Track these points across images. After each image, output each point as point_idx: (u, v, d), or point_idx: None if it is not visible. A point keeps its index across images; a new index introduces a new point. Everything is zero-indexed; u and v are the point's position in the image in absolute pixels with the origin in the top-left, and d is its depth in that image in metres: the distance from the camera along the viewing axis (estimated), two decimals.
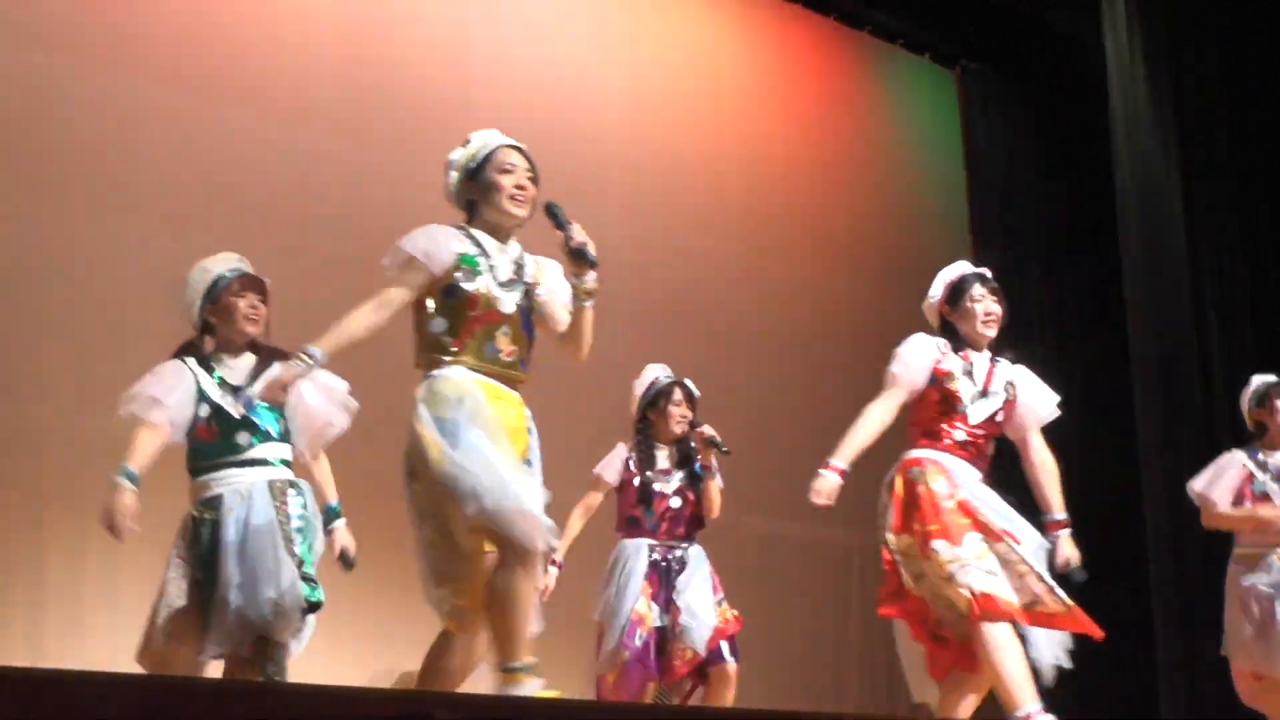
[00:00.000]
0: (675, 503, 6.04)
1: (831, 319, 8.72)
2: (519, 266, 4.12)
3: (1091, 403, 8.31)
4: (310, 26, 7.11)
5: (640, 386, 6.18)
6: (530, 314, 4.12)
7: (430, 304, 4.09)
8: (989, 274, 5.06)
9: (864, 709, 8.10)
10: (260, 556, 4.49)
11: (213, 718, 2.69)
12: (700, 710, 5.34)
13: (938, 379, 4.89)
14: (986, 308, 4.96)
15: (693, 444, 6.12)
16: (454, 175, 4.19)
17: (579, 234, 4.07)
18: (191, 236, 6.45)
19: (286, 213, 6.83)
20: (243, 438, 4.66)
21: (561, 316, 4.20)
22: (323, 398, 4.78)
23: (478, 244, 4.08)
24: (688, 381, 6.23)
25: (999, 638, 4.48)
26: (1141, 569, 7.89)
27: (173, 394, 4.61)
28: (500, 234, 4.12)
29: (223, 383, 4.70)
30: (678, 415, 6.09)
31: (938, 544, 4.70)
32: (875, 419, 4.90)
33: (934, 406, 4.90)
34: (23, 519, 5.95)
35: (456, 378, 4.03)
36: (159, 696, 2.68)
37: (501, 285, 4.06)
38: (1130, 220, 8.11)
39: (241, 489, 4.60)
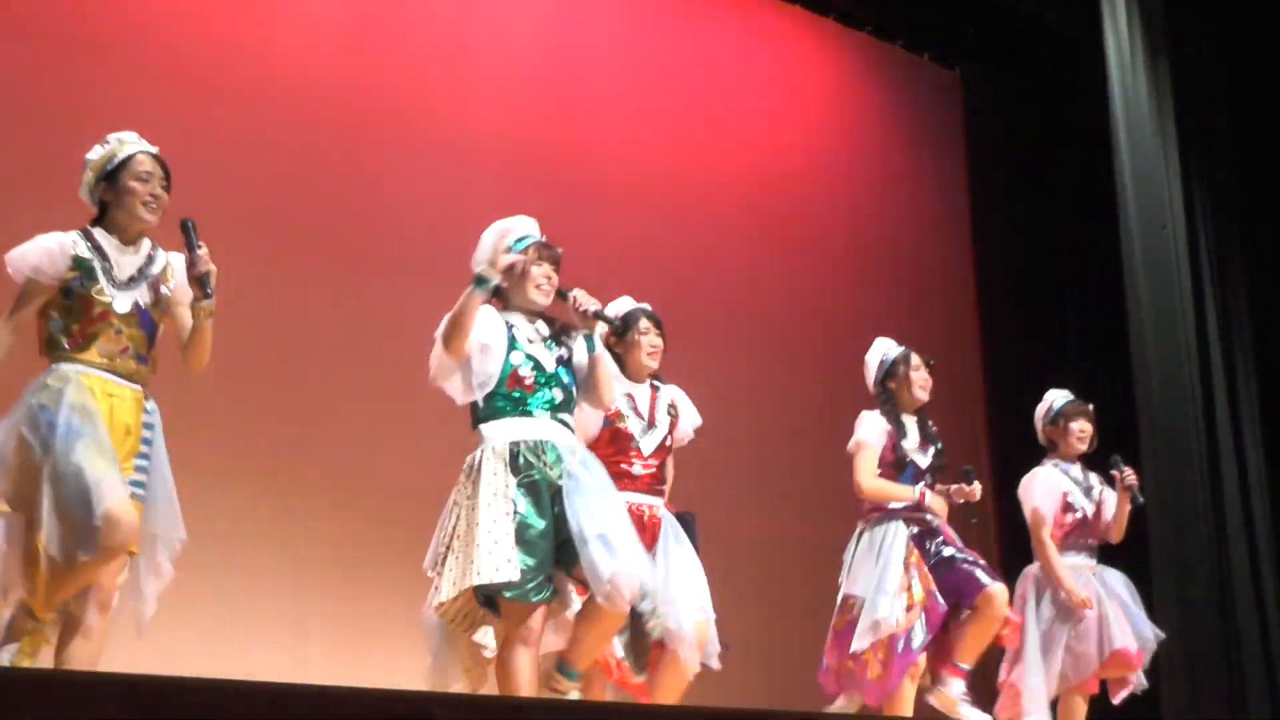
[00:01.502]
0: (928, 479, 5.84)
1: (831, 319, 8.72)
2: (145, 265, 4.31)
3: (1090, 403, 8.31)
4: (310, 26, 7.11)
5: (874, 360, 6.10)
6: (151, 312, 4.31)
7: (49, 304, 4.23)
8: (650, 310, 5.29)
9: (864, 709, 8.08)
10: None
11: (212, 718, 2.69)
12: (700, 710, 5.33)
13: (608, 420, 5.10)
14: (652, 341, 5.27)
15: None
16: (89, 175, 4.33)
17: (204, 263, 4.27)
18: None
19: (286, 212, 6.83)
20: None
21: (185, 320, 4.40)
22: None
23: (97, 247, 4.25)
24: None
25: None
26: (1141, 568, 7.88)
27: None
28: (128, 236, 4.32)
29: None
30: (920, 381, 5.98)
31: None
32: None
33: (606, 445, 5.07)
34: None
35: (66, 372, 4.17)
36: (159, 696, 2.68)
37: (119, 286, 4.24)
38: (1130, 220, 8.10)
39: None
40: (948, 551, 5.67)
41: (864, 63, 9.44)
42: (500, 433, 4.35)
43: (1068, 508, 6.35)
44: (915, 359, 5.99)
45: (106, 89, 6.40)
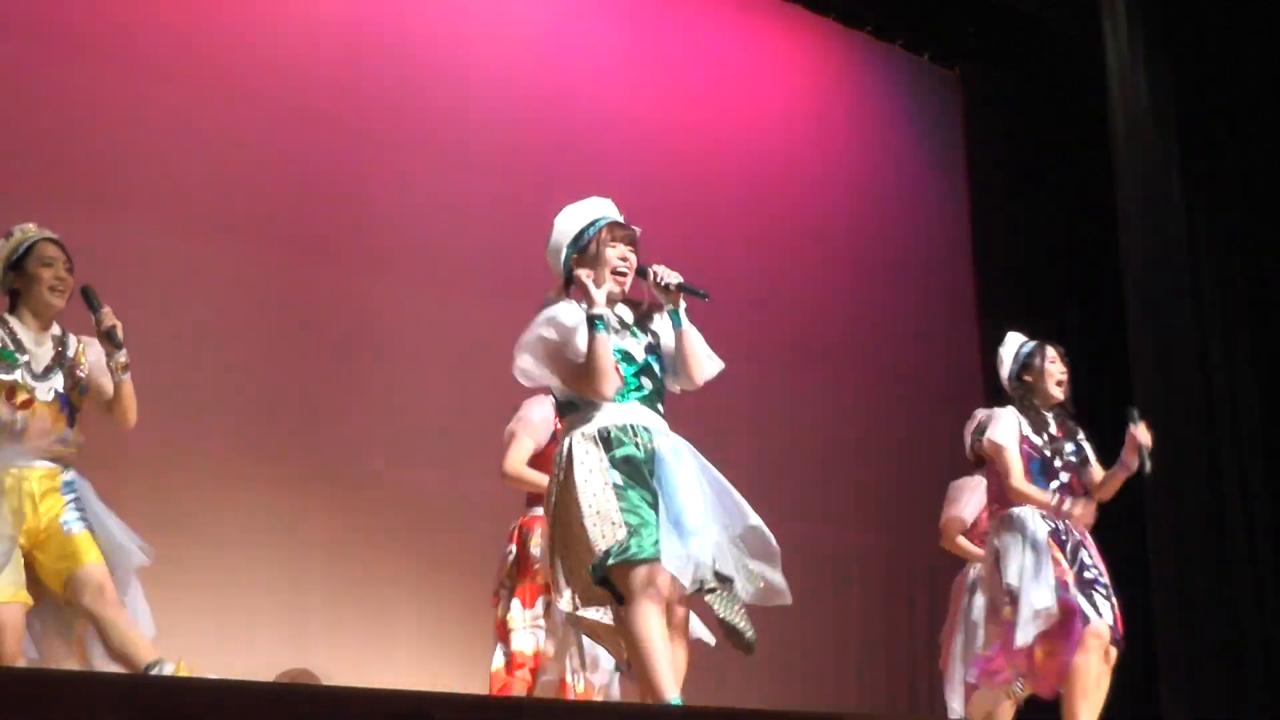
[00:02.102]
0: (1064, 477, 5.58)
1: (831, 318, 8.72)
2: (60, 351, 4.54)
3: (1090, 402, 8.31)
4: (310, 26, 7.11)
5: (1008, 353, 5.81)
6: (70, 396, 4.52)
7: None
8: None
9: (864, 709, 8.10)
10: None
11: (212, 717, 2.69)
12: (700, 710, 5.32)
13: None
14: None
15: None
16: None
17: (108, 319, 4.45)
18: (191, 236, 6.46)
19: (286, 213, 6.83)
20: None
21: (106, 389, 4.55)
22: None
23: (14, 336, 4.49)
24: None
25: None
26: (1141, 569, 7.89)
27: None
28: (41, 321, 4.53)
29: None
30: (1056, 374, 5.64)
31: None
32: None
33: None
34: None
35: None
36: (159, 696, 2.68)
37: (37, 376, 4.46)
38: (1130, 220, 8.10)
39: None
40: (1090, 575, 5.41)
41: (864, 63, 9.44)
42: (589, 418, 4.18)
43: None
44: (1051, 351, 5.68)
45: (107, 89, 6.40)
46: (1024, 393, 5.65)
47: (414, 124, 7.25)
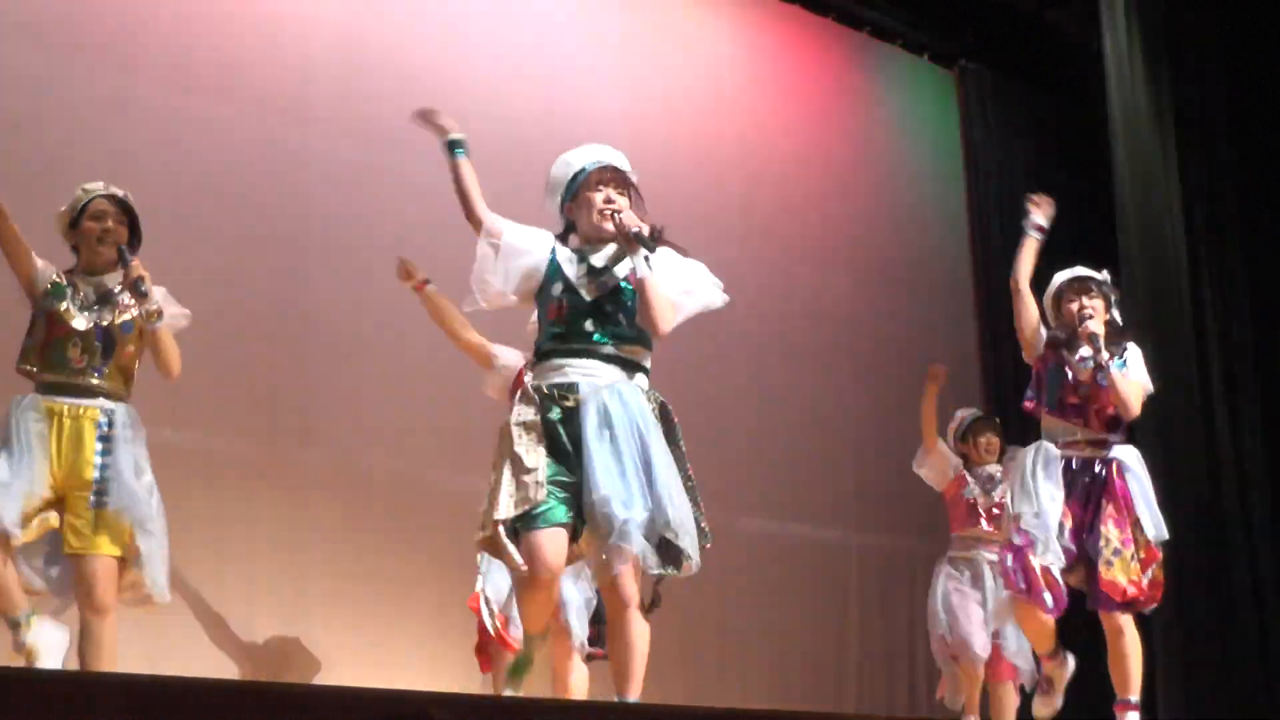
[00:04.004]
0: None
1: (830, 318, 8.72)
2: (110, 291, 4.87)
3: None
4: (310, 26, 7.10)
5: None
6: (110, 330, 4.84)
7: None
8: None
9: (864, 709, 8.10)
10: None
11: (212, 718, 2.69)
12: (700, 710, 5.33)
13: None
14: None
15: None
16: (61, 225, 4.99)
17: (135, 270, 4.77)
18: (191, 236, 6.45)
19: (286, 213, 6.83)
20: None
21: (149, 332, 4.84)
22: None
23: (70, 277, 4.90)
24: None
25: None
26: None
27: None
28: (94, 270, 4.92)
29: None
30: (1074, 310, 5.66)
31: None
32: None
33: None
34: None
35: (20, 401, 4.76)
36: (159, 696, 2.68)
37: (81, 308, 4.82)
38: (1130, 220, 8.11)
39: None
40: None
41: (864, 63, 9.44)
42: (536, 368, 4.20)
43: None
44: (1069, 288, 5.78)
45: (106, 89, 6.40)
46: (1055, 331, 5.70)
47: (413, 124, 7.24)
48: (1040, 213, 5.75)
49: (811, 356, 8.56)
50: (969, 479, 6.90)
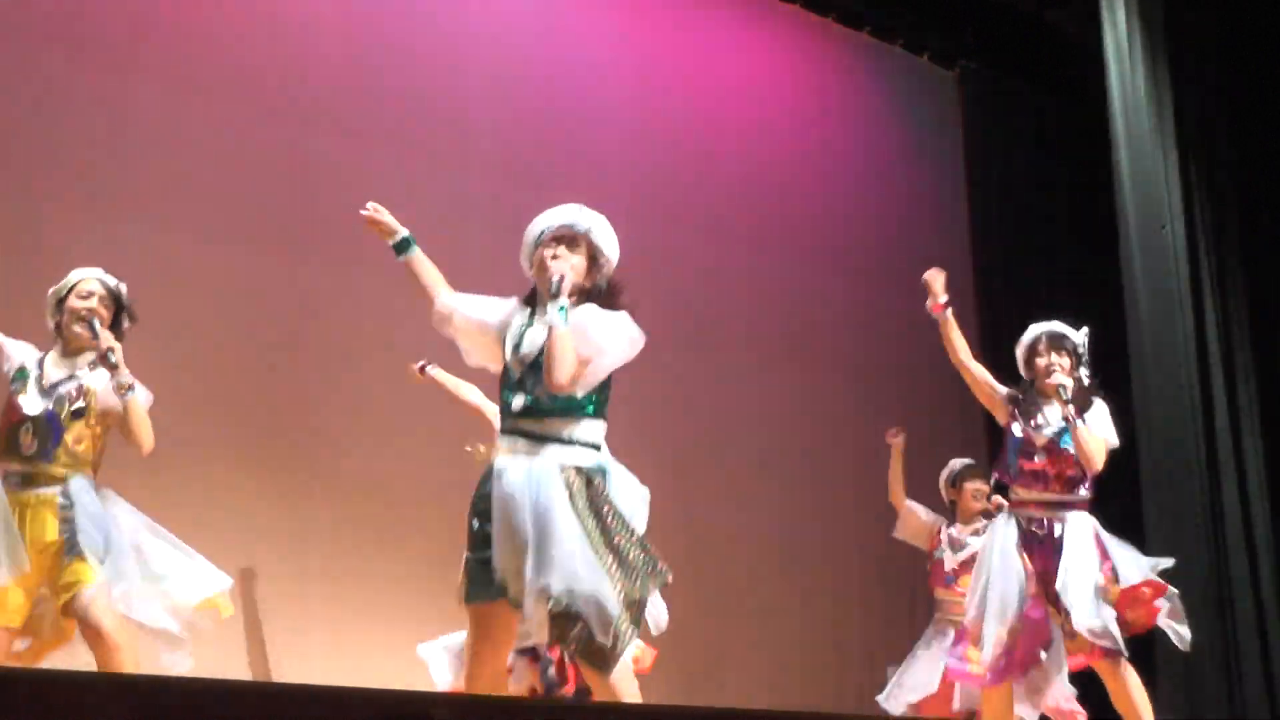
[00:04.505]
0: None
1: (830, 318, 8.72)
2: (70, 375, 4.89)
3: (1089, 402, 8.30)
4: (310, 26, 7.11)
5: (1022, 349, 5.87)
6: (58, 414, 4.82)
7: None
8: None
9: (864, 709, 8.10)
10: None
11: (212, 718, 2.69)
12: (700, 710, 5.33)
13: None
14: None
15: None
16: (49, 304, 5.01)
17: (105, 341, 4.83)
18: (191, 236, 6.46)
19: (286, 213, 6.83)
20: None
21: (117, 409, 4.86)
22: None
23: (41, 362, 4.93)
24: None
25: None
26: None
27: None
28: (71, 351, 4.96)
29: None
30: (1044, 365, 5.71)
31: None
32: None
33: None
34: None
35: None
36: (159, 696, 2.68)
37: (41, 393, 4.84)
38: (1130, 220, 8.10)
39: None
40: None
41: (864, 63, 9.44)
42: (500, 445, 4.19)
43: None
44: (1041, 343, 5.77)
45: (107, 89, 6.40)
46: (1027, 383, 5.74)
47: (413, 123, 7.25)
48: (935, 292, 5.71)
49: (810, 356, 8.56)
50: (941, 539, 6.93)
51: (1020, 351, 5.82)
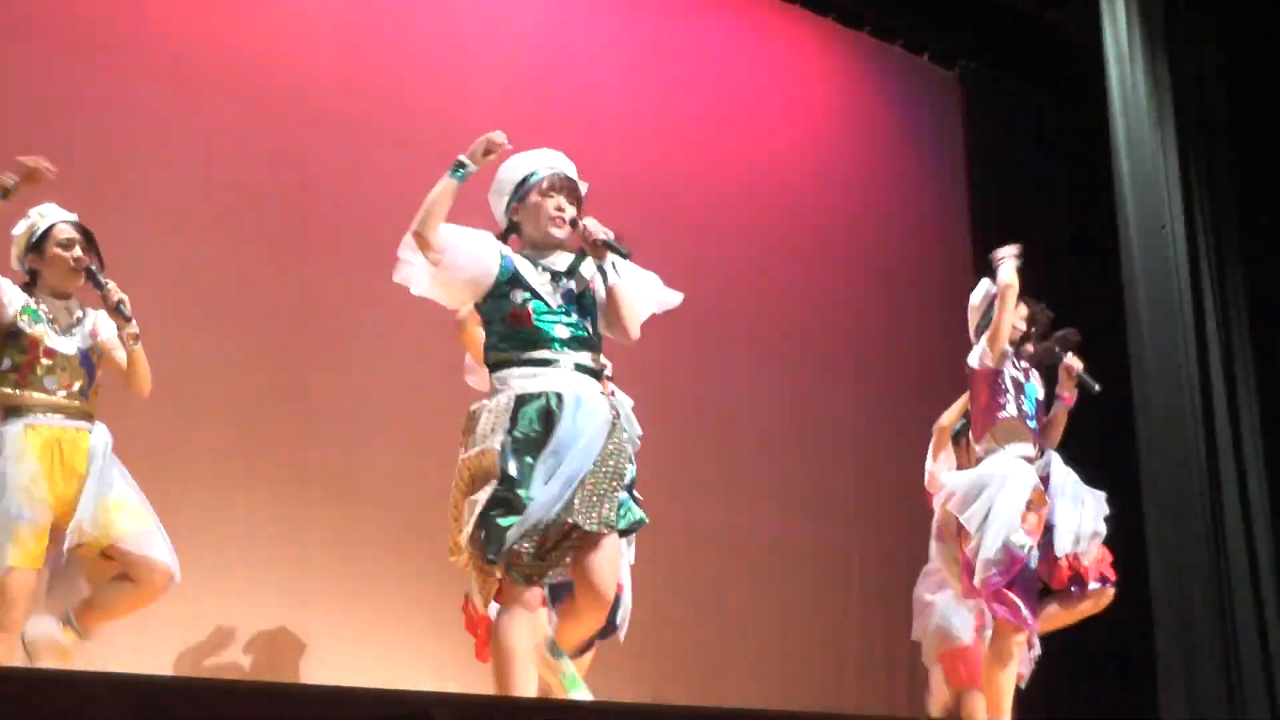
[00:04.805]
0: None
1: (830, 318, 8.72)
2: (79, 318, 4.96)
3: (1090, 401, 8.30)
4: (310, 27, 7.10)
5: (976, 309, 5.98)
6: (90, 354, 4.93)
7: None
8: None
9: (864, 709, 8.10)
10: None
11: (212, 718, 2.69)
12: (701, 710, 5.33)
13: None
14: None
15: None
16: (16, 249, 4.96)
17: (115, 293, 4.87)
18: (191, 236, 6.46)
19: (286, 213, 6.83)
20: None
21: (121, 358, 4.99)
22: None
23: (36, 301, 4.90)
24: None
25: None
26: (1141, 571, 7.89)
27: None
28: (58, 297, 4.95)
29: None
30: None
31: None
32: None
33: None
34: None
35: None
36: (159, 696, 2.68)
37: (59, 332, 4.87)
38: (1130, 220, 8.10)
39: None
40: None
41: (864, 63, 9.44)
42: (504, 382, 4.12)
43: None
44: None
45: (107, 89, 6.40)
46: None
47: (413, 123, 7.24)
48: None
49: (810, 355, 8.56)
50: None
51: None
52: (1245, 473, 7.98)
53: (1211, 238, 8.23)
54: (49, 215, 5.00)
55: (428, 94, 7.35)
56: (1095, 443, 8.20)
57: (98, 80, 6.39)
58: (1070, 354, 5.92)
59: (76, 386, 4.87)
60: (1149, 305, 7.94)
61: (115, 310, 4.89)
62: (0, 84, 6.17)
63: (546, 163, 4.41)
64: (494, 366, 4.21)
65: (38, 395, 4.80)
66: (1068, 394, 5.94)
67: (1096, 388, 5.84)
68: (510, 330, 4.18)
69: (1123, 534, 7.97)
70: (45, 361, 4.82)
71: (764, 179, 8.63)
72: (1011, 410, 5.70)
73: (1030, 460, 5.70)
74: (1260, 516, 7.93)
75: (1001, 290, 5.72)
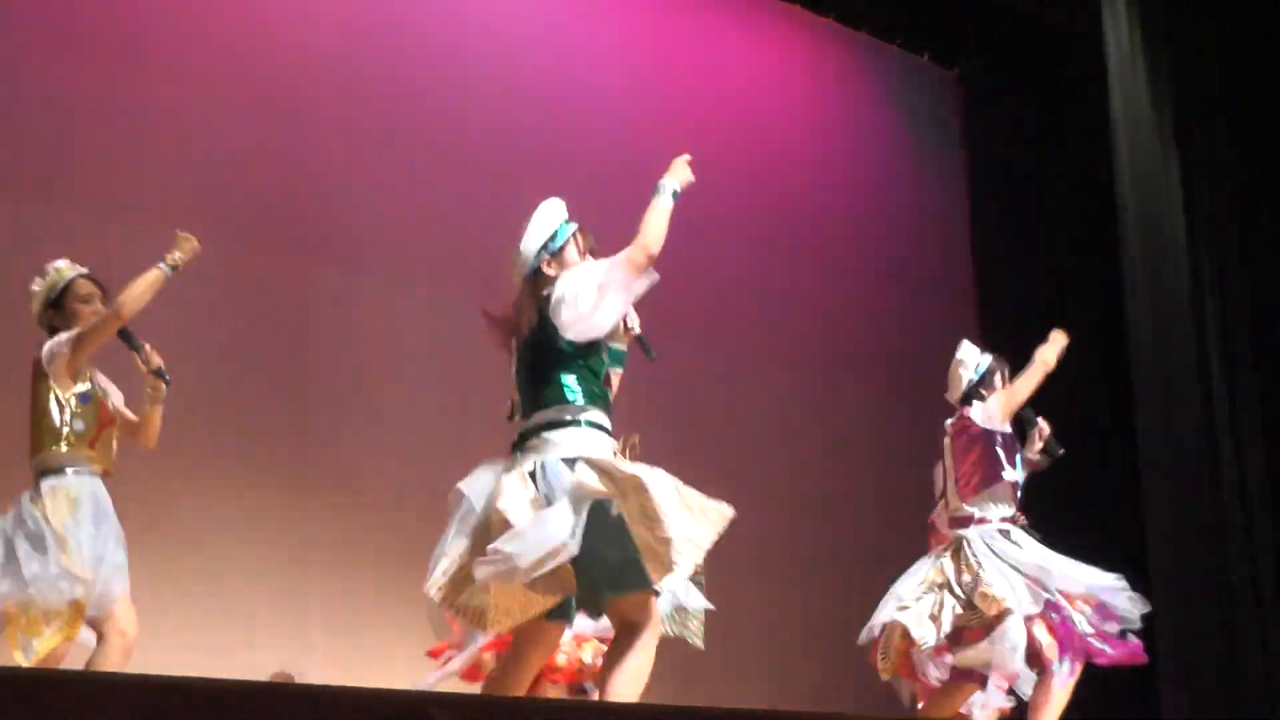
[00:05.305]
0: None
1: (830, 318, 8.72)
2: (99, 385, 4.82)
3: (1091, 402, 8.30)
4: (310, 27, 7.10)
5: (969, 363, 5.95)
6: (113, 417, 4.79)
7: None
8: None
9: (864, 709, 8.09)
10: None
11: (212, 718, 2.68)
12: (701, 710, 5.33)
13: None
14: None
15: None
16: (36, 305, 4.84)
17: (154, 356, 4.75)
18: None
19: (287, 213, 6.83)
20: None
21: (128, 415, 4.85)
22: None
23: None
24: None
25: None
26: (1141, 569, 7.89)
27: None
28: None
29: None
30: None
31: None
32: None
33: None
34: None
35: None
36: (159, 696, 2.67)
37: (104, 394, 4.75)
38: (1130, 220, 8.10)
39: None
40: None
41: (864, 63, 9.44)
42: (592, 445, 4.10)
43: None
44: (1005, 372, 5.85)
45: (102, 89, 6.40)
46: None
47: (415, 125, 7.24)
48: None
49: (811, 356, 8.56)
50: None
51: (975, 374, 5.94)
52: (1245, 473, 7.98)
53: (1212, 238, 8.24)
54: (66, 271, 4.89)
55: (430, 97, 7.35)
56: (1095, 442, 8.21)
57: (98, 82, 6.39)
58: (1040, 418, 5.93)
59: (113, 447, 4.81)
60: (1149, 305, 7.95)
61: (156, 374, 4.78)
62: (2, 84, 6.17)
63: (568, 216, 4.45)
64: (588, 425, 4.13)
65: (103, 460, 4.75)
66: (1035, 458, 5.95)
67: (1060, 452, 5.86)
68: (602, 390, 4.22)
69: (1123, 534, 7.98)
70: (109, 426, 4.77)
71: (763, 178, 8.63)
72: (1011, 475, 5.70)
73: (1012, 521, 5.73)
74: (1260, 518, 7.93)
75: (1039, 364, 5.76)
